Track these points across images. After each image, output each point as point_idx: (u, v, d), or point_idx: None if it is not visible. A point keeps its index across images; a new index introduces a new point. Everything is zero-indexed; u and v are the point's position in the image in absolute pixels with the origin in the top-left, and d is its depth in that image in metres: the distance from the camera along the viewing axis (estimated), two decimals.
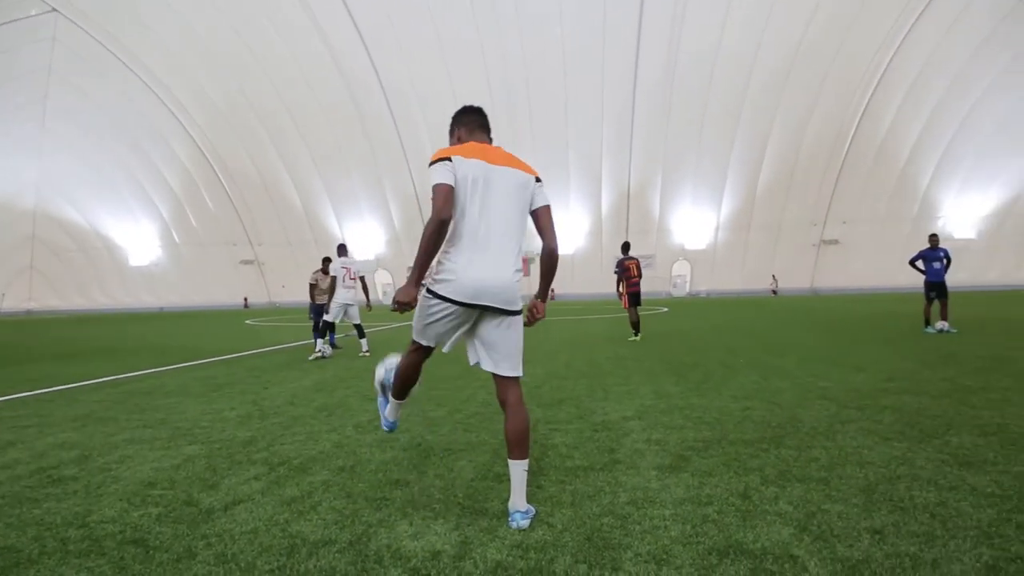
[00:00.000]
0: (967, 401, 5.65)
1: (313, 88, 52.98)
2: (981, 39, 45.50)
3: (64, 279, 68.52)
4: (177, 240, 65.56)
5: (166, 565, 2.69)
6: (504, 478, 3.74)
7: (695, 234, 60.17)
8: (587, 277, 58.53)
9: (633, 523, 3.00)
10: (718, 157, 55.22)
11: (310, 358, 11.02)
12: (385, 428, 3.78)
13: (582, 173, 57.18)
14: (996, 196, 52.66)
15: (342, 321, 11.85)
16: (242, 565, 2.66)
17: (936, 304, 13.19)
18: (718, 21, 47.48)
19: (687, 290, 61.85)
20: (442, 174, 3.05)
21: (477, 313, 3.14)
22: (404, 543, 2.84)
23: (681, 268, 61.92)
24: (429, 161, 3.13)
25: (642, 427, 5.04)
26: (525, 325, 3.29)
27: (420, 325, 3.22)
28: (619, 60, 50.21)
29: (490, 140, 3.46)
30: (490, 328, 3.17)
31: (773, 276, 57.60)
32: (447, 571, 2.55)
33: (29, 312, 66.06)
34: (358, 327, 11.82)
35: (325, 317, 11.58)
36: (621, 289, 13.33)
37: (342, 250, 12.18)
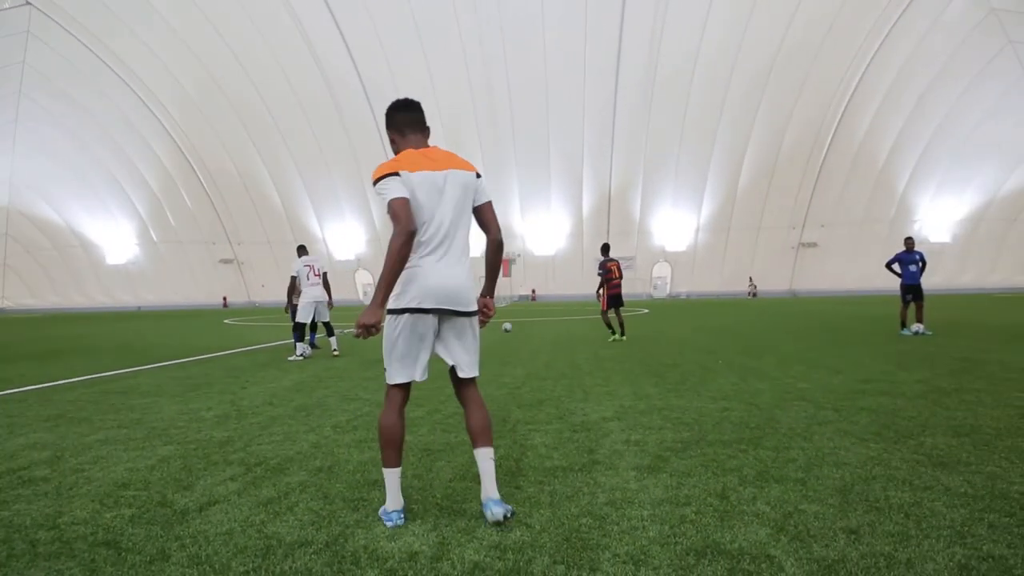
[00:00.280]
0: (942, 402, 5.72)
1: (293, 86, 52.65)
2: (955, 46, 46.31)
3: (39, 277, 67.51)
4: (155, 238, 64.81)
5: (138, 567, 2.65)
6: None
7: (675, 236, 60.55)
8: (568, 278, 58.69)
9: (611, 524, 3.00)
10: (698, 160, 55.62)
11: (289, 359, 10.93)
12: (389, 524, 3.07)
13: (563, 175, 57.31)
14: (970, 201, 53.61)
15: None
16: (217, 567, 2.62)
17: (912, 307, 13.38)
18: (698, 25, 47.83)
19: (667, 292, 62.24)
20: (397, 188, 3.02)
21: (437, 320, 3.13)
22: (381, 544, 2.82)
23: (661, 270, 62.32)
24: (373, 179, 3.08)
25: (621, 428, 5.05)
26: (479, 325, 3.30)
27: (391, 355, 3.14)
28: (600, 62, 50.42)
29: (424, 134, 3.36)
30: (447, 330, 3.17)
31: (750, 279, 58.12)
32: (424, 572, 2.54)
33: (3, 311, 64.92)
34: (327, 325, 11.72)
35: (297, 319, 11.45)
36: (601, 291, 13.38)
37: (302, 250, 12.21)
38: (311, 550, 2.77)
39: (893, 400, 5.91)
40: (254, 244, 63.17)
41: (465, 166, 3.21)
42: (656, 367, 8.80)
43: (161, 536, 2.98)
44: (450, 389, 3.47)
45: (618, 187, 57.77)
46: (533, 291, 61.10)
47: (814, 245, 57.99)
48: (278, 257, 59.38)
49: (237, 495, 3.57)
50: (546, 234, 60.19)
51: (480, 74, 51.31)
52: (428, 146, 3.28)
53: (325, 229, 61.13)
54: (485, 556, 2.67)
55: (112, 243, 65.67)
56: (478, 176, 3.23)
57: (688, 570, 2.50)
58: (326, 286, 11.73)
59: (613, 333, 13.29)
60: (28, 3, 47.97)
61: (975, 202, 53.49)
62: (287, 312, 12.70)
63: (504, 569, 2.54)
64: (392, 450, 3.13)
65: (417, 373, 3.15)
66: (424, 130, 3.36)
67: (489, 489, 3.08)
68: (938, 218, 54.50)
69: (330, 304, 12.06)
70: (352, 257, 62.66)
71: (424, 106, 3.42)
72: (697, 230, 59.90)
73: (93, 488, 3.77)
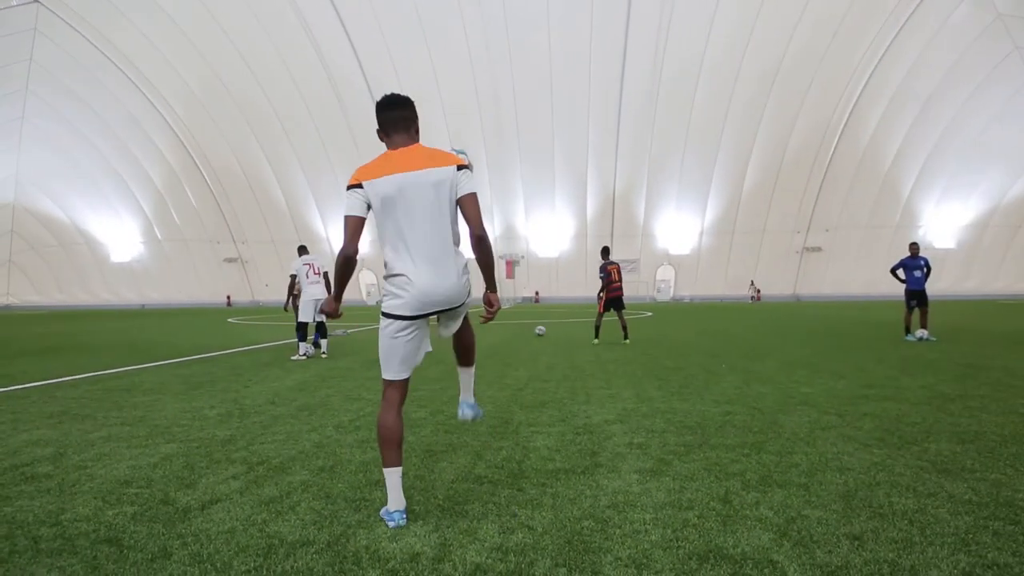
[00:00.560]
0: (945, 408, 5.71)
1: (298, 84, 52.68)
2: (961, 51, 46.22)
3: (43, 274, 67.68)
4: (159, 237, 64.89)
5: (140, 565, 2.65)
6: (484, 480, 3.77)
7: (679, 239, 60.46)
8: (572, 280, 58.61)
9: (613, 527, 2.99)
10: (703, 163, 55.52)
11: (292, 358, 10.94)
12: (391, 524, 3.06)
13: (567, 177, 57.25)
14: (975, 207, 53.49)
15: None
16: (218, 565, 2.62)
17: (916, 312, 13.35)
18: (704, 28, 47.78)
19: (671, 295, 62.15)
20: (349, 205, 3.06)
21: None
22: (383, 544, 2.82)
23: (665, 273, 62.22)
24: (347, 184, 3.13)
25: (624, 431, 5.04)
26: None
27: (386, 353, 3.18)
28: (605, 63, 50.36)
29: (409, 132, 3.26)
30: (439, 318, 3.31)
31: (752, 282, 58.05)
32: (426, 573, 2.53)
33: (8, 308, 65.12)
34: (321, 325, 11.66)
35: (299, 319, 11.45)
36: (602, 295, 13.37)
37: (303, 251, 12.22)
38: (313, 550, 2.77)
39: (897, 406, 5.89)
40: (258, 243, 63.18)
41: (442, 162, 3.11)
42: (659, 370, 8.79)
43: (163, 534, 2.98)
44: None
45: (622, 189, 57.69)
46: (537, 293, 61.10)
47: (818, 249, 57.87)
48: (282, 256, 59.33)
49: (239, 494, 3.57)
50: (550, 236, 60.12)
51: (485, 74, 51.27)
52: (412, 145, 3.21)
53: (329, 228, 61.12)
54: (487, 558, 2.67)
55: (117, 241, 65.75)
56: (460, 168, 3.12)
57: (690, 574, 2.49)
58: (327, 285, 11.73)
59: (596, 337, 13.34)
60: (36, 1, 48.12)
61: (980, 208, 53.38)
62: (287, 310, 12.75)
63: (506, 571, 2.54)
64: (391, 449, 3.13)
65: (409, 370, 3.25)
66: (409, 128, 3.27)
67: (466, 394, 3.46)
68: (943, 223, 54.40)
69: None
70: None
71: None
72: (701, 233, 59.80)
73: (96, 485, 3.78)
